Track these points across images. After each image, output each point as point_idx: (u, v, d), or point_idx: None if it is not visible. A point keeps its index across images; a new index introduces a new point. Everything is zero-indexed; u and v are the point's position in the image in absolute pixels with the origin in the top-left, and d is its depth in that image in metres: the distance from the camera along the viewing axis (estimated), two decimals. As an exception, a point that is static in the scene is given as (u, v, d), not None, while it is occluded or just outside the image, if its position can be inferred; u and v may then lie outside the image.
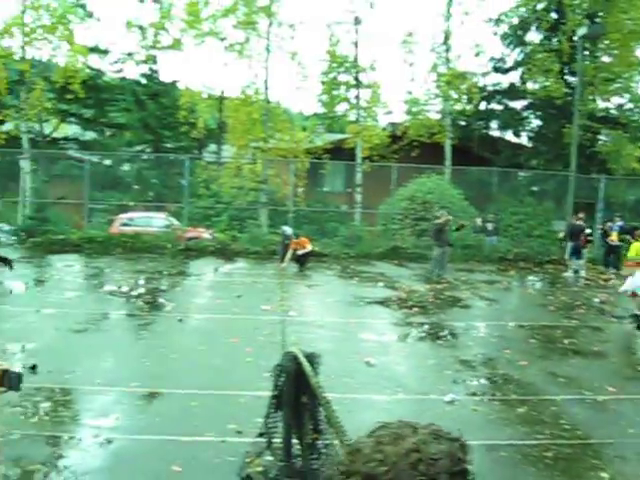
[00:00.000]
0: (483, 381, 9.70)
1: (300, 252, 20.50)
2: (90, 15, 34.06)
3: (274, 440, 6.44)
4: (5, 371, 2.43)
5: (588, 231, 22.60)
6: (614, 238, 23.05)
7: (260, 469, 6.42)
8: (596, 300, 17.18)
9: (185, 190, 27.22)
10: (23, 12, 28.66)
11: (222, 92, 33.20)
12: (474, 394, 9.05)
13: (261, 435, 6.74)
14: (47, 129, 36.08)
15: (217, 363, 9.77)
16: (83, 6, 33.33)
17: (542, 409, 8.47)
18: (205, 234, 25.61)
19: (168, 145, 36.19)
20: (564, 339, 12.68)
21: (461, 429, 5.48)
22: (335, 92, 30.90)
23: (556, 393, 9.25)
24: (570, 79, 30.82)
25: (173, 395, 8.36)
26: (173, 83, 37.67)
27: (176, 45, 31.94)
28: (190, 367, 9.61)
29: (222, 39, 29.65)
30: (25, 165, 29.36)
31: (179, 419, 7.55)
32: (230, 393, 8.40)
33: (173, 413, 7.79)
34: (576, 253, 21.47)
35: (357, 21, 29.53)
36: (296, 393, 6.12)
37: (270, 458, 6.44)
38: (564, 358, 11.41)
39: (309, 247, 20.78)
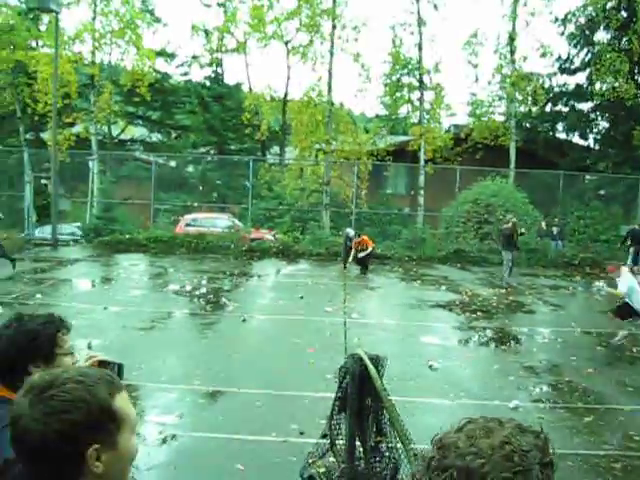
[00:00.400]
0: (548, 388, 9.53)
1: (361, 254, 20.42)
2: (157, 20, 34.77)
3: (337, 442, 6.46)
4: (104, 362, 2.48)
5: None
6: None
7: (322, 470, 6.43)
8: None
9: (248, 191, 27.49)
10: (93, 18, 29.38)
11: (286, 94, 33.39)
12: (539, 401, 8.90)
13: (324, 436, 6.76)
14: (115, 131, 36.88)
15: (280, 364, 9.82)
16: (151, 11, 34.07)
17: (609, 419, 8.28)
18: (268, 235, 25.79)
19: (232, 147, 36.52)
20: (632, 347, 12.37)
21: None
22: (398, 94, 30.80)
23: (624, 403, 9.02)
24: (640, 80, 30.12)
25: (236, 394, 8.44)
26: (237, 86, 38.07)
27: (240, 48, 32.32)
28: (253, 367, 9.68)
29: (286, 42, 29.87)
30: (93, 166, 30.06)
31: (242, 418, 7.62)
32: (292, 394, 8.44)
33: (236, 412, 7.87)
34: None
35: (421, 22, 29.37)
36: (360, 395, 6.13)
37: (332, 460, 6.46)
38: (632, 367, 11.14)
39: (370, 247, 20.62)
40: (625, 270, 12.28)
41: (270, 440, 7.03)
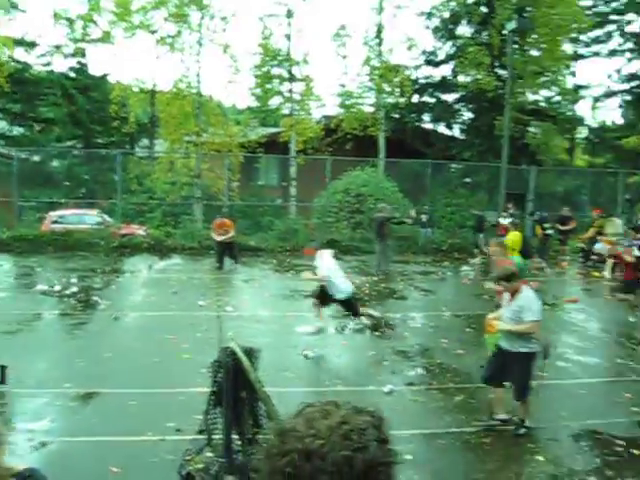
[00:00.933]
0: (421, 371, 9.81)
1: (220, 238, 19.42)
2: (15, 6, 33.17)
3: (214, 436, 6.39)
4: None
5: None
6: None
7: (200, 466, 6.36)
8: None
9: (117, 186, 26.76)
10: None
11: (154, 86, 32.71)
12: (412, 384, 9.15)
13: (200, 432, 6.67)
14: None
15: (154, 361, 9.64)
16: (6, -3, 32.41)
17: (479, 397, 8.61)
18: (139, 230, 25.22)
19: (99, 140, 35.42)
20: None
21: (401, 419, 5.53)
22: (268, 85, 30.77)
23: (492, 380, 9.41)
24: (500, 72, 31.27)
25: (110, 395, 8.23)
26: (103, 77, 36.91)
27: (106, 38, 31.33)
28: (126, 366, 9.46)
29: (153, 32, 29.22)
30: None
31: (116, 419, 7.43)
32: (168, 391, 8.31)
33: (110, 413, 7.66)
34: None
35: (289, 14, 29.46)
36: (235, 388, 6.09)
37: (210, 455, 6.39)
38: (499, 346, 11.62)
39: (232, 232, 19.57)
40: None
41: (146, 440, 6.89)
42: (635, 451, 7.13)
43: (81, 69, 36.36)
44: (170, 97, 27.77)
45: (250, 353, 6.13)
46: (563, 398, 8.88)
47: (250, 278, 18.31)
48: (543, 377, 8.85)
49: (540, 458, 6.87)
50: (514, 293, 7.31)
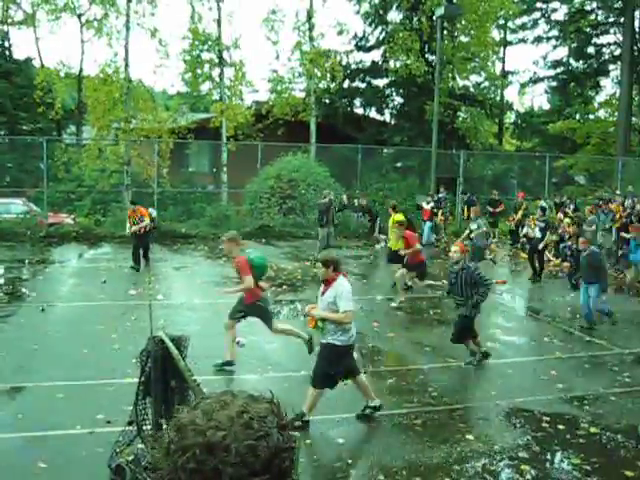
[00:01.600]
0: (353, 354, 9.85)
1: (134, 227, 17.30)
2: None
3: (144, 427, 6.30)
4: None
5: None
6: (441, 217, 24.30)
7: (131, 458, 6.26)
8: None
9: (44, 174, 26.09)
10: None
11: (80, 71, 31.90)
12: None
13: (130, 423, 6.58)
14: None
15: (83, 352, 9.44)
16: None
17: (410, 378, 8.73)
18: (67, 219, 24.65)
19: (24, 127, 34.43)
20: (429, 310, 13.09)
21: (333, 403, 5.54)
22: (198, 71, 30.37)
23: (423, 362, 9.55)
24: (430, 58, 31.56)
25: (36, 389, 8.03)
26: (27, 61, 35.89)
27: (29, 21, 30.43)
28: (55, 358, 9.26)
29: (79, 15, 28.49)
30: None
31: (44, 413, 7.25)
32: (98, 382, 8.17)
33: (37, 408, 7.48)
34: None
35: (219, -2, 29.08)
36: (164, 378, 6.01)
37: (141, 446, 6.31)
38: (430, 328, 11.80)
39: (146, 220, 17.42)
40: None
41: (75, 433, 6.77)
42: (560, 426, 7.34)
43: (3, 53, 35.23)
44: (97, 82, 27.13)
45: (179, 341, 6.06)
46: (492, 378, 9.07)
47: (181, 265, 18.12)
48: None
49: (470, 437, 7.00)
50: (329, 282, 7.14)
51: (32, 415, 7.19)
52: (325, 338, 7.13)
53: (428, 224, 23.24)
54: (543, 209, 17.81)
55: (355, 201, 25.16)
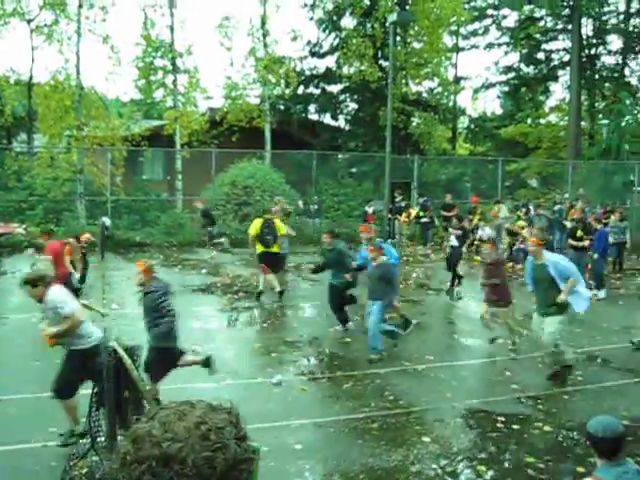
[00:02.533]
0: (310, 361, 9.86)
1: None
2: None
3: (98, 439, 6.20)
4: None
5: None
6: (405, 218, 24.46)
7: (85, 471, 6.17)
8: (414, 275, 17.90)
9: (-7, 183, 25.62)
10: None
11: (31, 78, 31.41)
12: (301, 374, 9.17)
13: (83, 435, 6.47)
14: None
15: (35, 364, 9.25)
16: None
17: (367, 383, 8.74)
18: (18, 229, 24.18)
19: (-28, 135, 33.88)
20: (385, 313, 13.13)
21: (290, 409, 5.51)
22: (152, 77, 30.12)
23: (380, 366, 9.57)
24: (384, 64, 31.73)
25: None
26: (-26, 68, 35.28)
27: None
28: (6, 371, 9.07)
29: (28, 21, 28.05)
30: None
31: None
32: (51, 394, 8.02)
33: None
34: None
35: (172, 4, 28.89)
36: (118, 388, 5.92)
37: (95, 458, 6.20)
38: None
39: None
40: None
41: (28, 447, 6.63)
42: (515, 426, 7.42)
43: (-50, 60, 34.53)
44: (48, 89, 26.72)
45: (132, 351, 5.99)
46: (448, 380, 9.13)
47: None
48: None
49: (427, 439, 7.03)
50: (42, 298, 6.97)
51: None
52: (68, 347, 6.94)
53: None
54: (460, 217, 17.27)
55: (311, 207, 25.20)
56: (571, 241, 16.15)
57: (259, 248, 13.97)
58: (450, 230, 16.66)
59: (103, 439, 6.15)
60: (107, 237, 20.19)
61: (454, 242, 15.71)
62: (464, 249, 16.77)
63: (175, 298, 14.24)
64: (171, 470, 1.20)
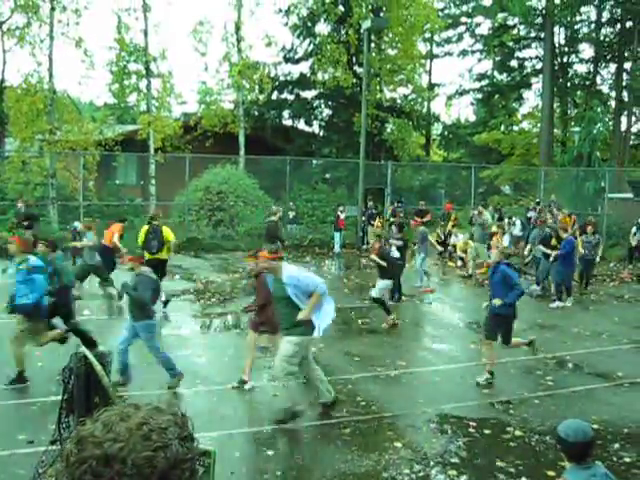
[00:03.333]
0: (282, 366, 9.84)
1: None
2: None
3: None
4: None
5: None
6: (378, 224, 24.51)
7: (54, 478, 6.12)
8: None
9: (-37, 187, 25.34)
10: None
11: (2, 81, 31.12)
12: (274, 380, 9.15)
13: (53, 442, 6.41)
14: None
15: (4, 372, 9.15)
16: None
17: (339, 388, 8.73)
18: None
19: (-58, 139, 33.46)
20: (358, 319, 13.17)
21: (263, 415, 5.52)
22: (125, 82, 29.97)
23: (352, 371, 9.59)
24: (358, 70, 31.89)
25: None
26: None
27: None
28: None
29: (0, 23, 27.79)
30: None
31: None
32: (19, 402, 7.94)
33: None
34: None
35: (146, 8, 28.77)
36: (88, 394, 5.87)
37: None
38: (359, 338, 11.86)
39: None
40: None
41: (-5, 455, 6.55)
42: (486, 431, 7.47)
43: None
44: (20, 93, 26.50)
45: (102, 357, 5.94)
46: (420, 386, 9.17)
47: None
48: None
49: (398, 445, 7.05)
50: None
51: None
52: None
53: (338, 234, 23.62)
54: (400, 226, 15.69)
55: (289, 213, 25.25)
56: (542, 247, 16.03)
57: (146, 255, 13.19)
58: (391, 241, 14.85)
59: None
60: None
61: (395, 254, 14.36)
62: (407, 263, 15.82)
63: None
64: (112, 469, 1.22)
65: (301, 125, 35.94)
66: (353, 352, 10.59)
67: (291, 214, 25.43)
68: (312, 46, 33.69)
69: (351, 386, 8.94)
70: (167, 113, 29.88)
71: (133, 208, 27.89)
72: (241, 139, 29.70)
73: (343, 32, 31.83)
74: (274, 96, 34.20)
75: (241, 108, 30.07)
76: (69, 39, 26.73)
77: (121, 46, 28.76)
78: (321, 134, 35.93)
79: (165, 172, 27.00)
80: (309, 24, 33.56)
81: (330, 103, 35.40)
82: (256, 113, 33.09)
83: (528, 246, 18.62)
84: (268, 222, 19.64)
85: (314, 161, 32.78)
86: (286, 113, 35.61)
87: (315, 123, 36.46)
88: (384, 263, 12.86)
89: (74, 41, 26.67)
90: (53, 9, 26.02)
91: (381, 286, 12.90)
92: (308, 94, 35.43)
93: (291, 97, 35.39)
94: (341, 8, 31.59)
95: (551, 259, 15.62)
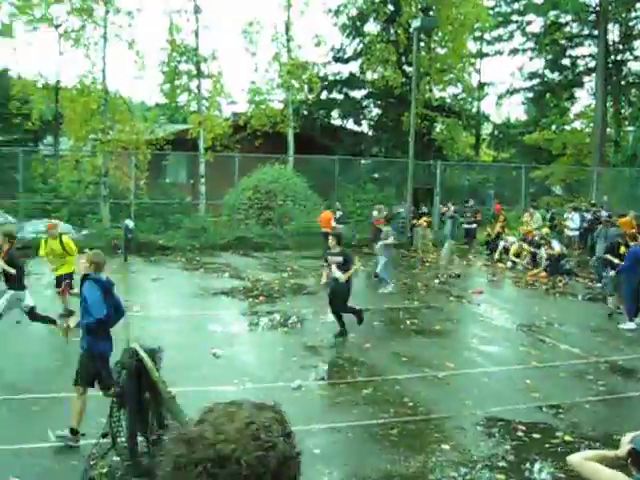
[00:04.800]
0: (329, 365, 9.86)
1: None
2: None
3: (119, 439, 6.25)
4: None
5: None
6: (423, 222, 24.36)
7: (105, 470, 6.21)
8: (436, 281, 17.84)
9: (19, 185, 25.89)
10: None
11: (58, 82, 31.71)
12: (321, 378, 9.18)
13: (104, 435, 6.52)
14: None
15: (57, 364, 9.34)
16: None
17: (386, 389, 8.71)
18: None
19: (0, 138, 34.23)
20: (406, 320, 13.10)
21: (309, 414, 5.53)
22: (177, 82, 30.32)
23: (399, 372, 9.54)
24: (407, 69, 31.77)
25: (10, 401, 7.93)
26: (4, 72, 35.62)
27: (6, 31, 30.22)
28: (29, 370, 9.15)
29: (56, 26, 28.36)
30: None
31: (17, 426, 7.17)
32: (72, 395, 8.08)
33: (10, 420, 7.39)
34: None
35: (197, 9, 29.06)
36: (138, 390, 5.97)
37: (115, 458, 6.25)
38: (406, 338, 11.79)
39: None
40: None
41: (49, 446, 6.68)
42: (536, 435, 7.36)
43: (-21, 64, 34.97)
44: (75, 94, 27.00)
45: (153, 353, 6.03)
46: (468, 387, 9.08)
47: (159, 277, 17.96)
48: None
49: (446, 447, 7.00)
50: None
51: (4, 427, 7.11)
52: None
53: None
54: (338, 237, 12.07)
55: (338, 212, 25.24)
56: (610, 257, 14.27)
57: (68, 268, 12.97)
58: (329, 258, 12.08)
59: (124, 439, 6.21)
60: (130, 240, 20.34)
61: (337, 273, 11.57)
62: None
63: (192, 302, 14.41)
64: (226, 471, 1.24)
65: (349, 124, 35.94)
66: (401, 352, 10.53)
67: (338, 213, 25.38)
68: (361, 45, 33.64)
69: (398, 387, 8.90)
70: (217, 113, 30.12)
71: (182, 207, 28.18)
72: (290, 138, 29.81)
73: (392, 31, 31.71)
74: (323, 96, 34.24)
75: (290, 108, 30.18)
76: (122, 41, 27.15)
77: (172, 47, 29.10)
78: (370, 134, 35.85)
79: (214, 171, 27.23)
80: (358, 24, 33.52)
81: (379, 102, 35.30)
82: (305, 113, 33.15)
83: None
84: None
85: (362, 161, 32.74)
86: (335, 113, 35.63)
87: (364, 123, 36.43)
88: None
89: (127, 42, 27.08)
90: (107, 12, 26.46)
91: None
92: (357, 93, 35.43)
93: (340, 97, 35.41)
94: (390, 7, 31.49)
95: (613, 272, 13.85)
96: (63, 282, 12.44)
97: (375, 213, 22.08)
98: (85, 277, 7.23)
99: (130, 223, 20.89)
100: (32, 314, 10.63)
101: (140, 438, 6.08)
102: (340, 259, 11.48)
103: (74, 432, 6.71)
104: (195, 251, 23.05)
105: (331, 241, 11.79)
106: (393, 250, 17.26)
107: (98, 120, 26.64)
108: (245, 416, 1.31)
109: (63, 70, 31.16)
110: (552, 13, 37.68)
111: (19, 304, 10.41)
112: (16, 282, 10.36)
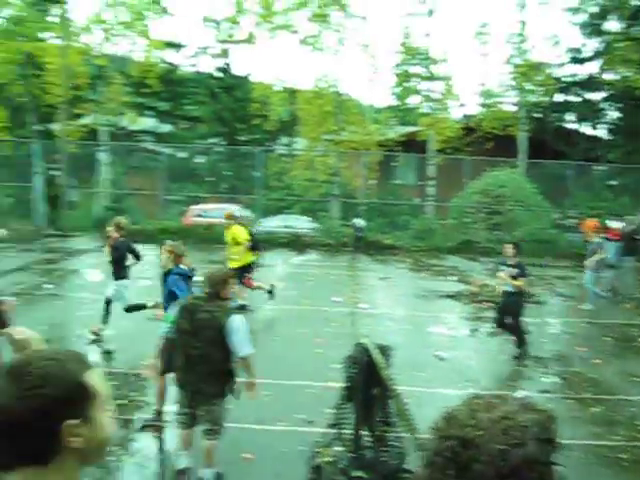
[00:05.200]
0: (556, 378, 9.54)
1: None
2: (165, 11, 34.62)
3: (344, 431, 6.48)
4: None
5: None
6: None
7: (330, 459, 6.47)
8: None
9: (257, 182, 27.48)
10: (103, 10, 29.42)
11: (294, 85, 33.33)
12: (546, 391, 8.91)
13: (331, 426, 6.78)
14: (124, 122, 36.86)
15: (287, 354, 9.85)
16: (158, 2, 33.84)
17: (617, 409, 8.28)
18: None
19: (241, 137, 36.45)
20: (639, 337, 12.36)
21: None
22: (407, 84, 30.70)
23: (632, 393, 9.03)
24: (652, 70, 29.90)
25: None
26: (246, 76, 37.95)
27: (250, 39, 32.22)
28: (260, 357, 9.69)
29: (294, 32, 29.80)
30: (103, 157, 30.13)
31: (251, 408, 7.63)
32: (300, 383, 8.47)
33: (245, 402, 7.89)
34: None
35: (430, 13, 29.22)
36: (367, 385, 6.15)
37: (340, 449, 6.48)
38: (639, 357, 11.13)
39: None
40: None
41: (279, 430, 7.07)
42: None
43: (225, 69, 37.54)
44: (310, 96, 28.23)
45: (384, 350, 6.18)
46: None
47: (385, 276, 18.31)
48: None
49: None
50: None
51: (245, 407, 7.60)
52: None
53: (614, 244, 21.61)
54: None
55: (567, 221, 24.34)
56: None
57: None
58: (504, 269, 10.65)
59: (348, 432, 6.42)
60: (360, 238, 20.85)
61: (509, 287, 10.54)
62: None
63: (417, 303, 14.50)
64: (468, 453, 1.34)
65: (585, 128, 34.38)
66: (634, 372, 9.96)
67: (568, 222, 24.45)
68: (602, 45, 32.02)
69: (632, 409, 8.43)
70: (447, 115, 30.10)
71: (410, 208, 28.48)
72: (521, 142, 29.09)
73: (636, 29, 29.86)
74: (558, 98, 33.02)
75: (523, 110, 29.46)
76: (356, 45, 27.97)
77: (406, 50, 29.48)
78: (606, 138, 34.06)
79: (443, 173, 27.28)
80: (598, 21, 31.93)
81: (619, 105, 33.43)
82: (538, 115, 32.17)
83: None
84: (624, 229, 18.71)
85: (597, 167, 31.19)
86: (570, 116, 34.23)
87: (600, 126, 34.66)
88: None
89: (361, 46, 27.84)
90: (343, 17, 27.35)
91: None
92: (594, 96, 33.75)
93: (576, 99, 33.94)
94: (635, 2, 29.66)
95: None
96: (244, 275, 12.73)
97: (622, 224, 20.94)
98: (168, 271, 7.57)
99: (360, 222, 21.44)
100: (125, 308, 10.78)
101: (364, 432, 6.26)
102: (516, 271, 10.35)
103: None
104: (421, 252, 23.20)
105: (509, 250, 10.50)
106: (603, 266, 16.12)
107: (331, 122, 27.63)
108: (503, 410, 1.39)
109: (299, 74, 32.58)
110: None
111: (124, 293, 10.78)
112: (119, 271, 10.82)
